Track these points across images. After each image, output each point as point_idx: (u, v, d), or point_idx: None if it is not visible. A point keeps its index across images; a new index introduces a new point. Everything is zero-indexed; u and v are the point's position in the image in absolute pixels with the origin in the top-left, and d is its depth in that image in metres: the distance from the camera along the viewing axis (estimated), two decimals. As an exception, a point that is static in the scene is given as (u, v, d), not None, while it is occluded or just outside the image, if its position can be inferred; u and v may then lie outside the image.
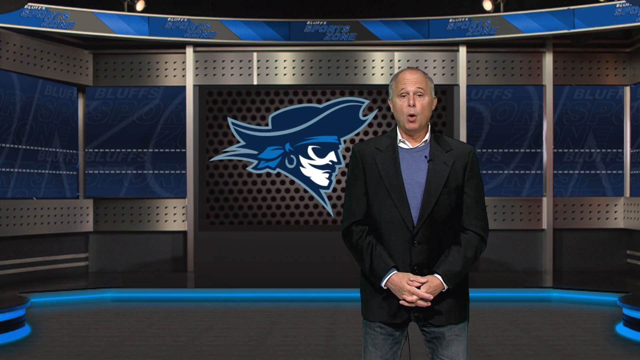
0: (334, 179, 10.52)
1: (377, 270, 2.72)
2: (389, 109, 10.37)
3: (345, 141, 10.52)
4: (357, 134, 10.52)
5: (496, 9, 10.03)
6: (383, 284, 2.72)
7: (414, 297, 2.66)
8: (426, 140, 2.81)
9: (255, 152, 10.54)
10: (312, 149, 10.54)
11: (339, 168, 10.52)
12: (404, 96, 2.77)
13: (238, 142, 10.54)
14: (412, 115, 2.75)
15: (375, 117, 10.53)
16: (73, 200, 10.39)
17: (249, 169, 10.53)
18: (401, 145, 2.81)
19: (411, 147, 2.80)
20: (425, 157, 2.77)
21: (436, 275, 2.70)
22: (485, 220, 2.80)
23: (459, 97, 10.36)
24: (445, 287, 2.70)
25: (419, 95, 2.76)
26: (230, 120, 10.53)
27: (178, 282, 9.61)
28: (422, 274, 2.71)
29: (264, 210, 10.52)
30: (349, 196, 2.84)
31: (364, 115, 10.53)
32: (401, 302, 2.69)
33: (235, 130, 10.54)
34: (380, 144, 2.83)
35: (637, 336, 6.48)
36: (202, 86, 10.51)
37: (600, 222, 10.47)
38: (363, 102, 10.54)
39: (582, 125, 10.53)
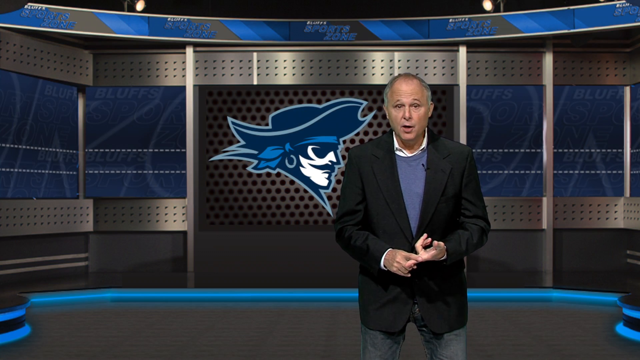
0: (333, 179, 10.53)
1: (374, 253, 2.68)
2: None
3: (344, 141, 10.53)
4: (357, 134, 10.52)
5: (496, 9, 10.03)
6: (382, 264, 2.68)
7: (410, 262, 2.60)
8: (423, 147, 2.77)
9: (255, 152, 10.54)
10: (312, 149, 10.54)
11: (338, 168, 10.52)
12: (399, 107, 2.72)
13: (238, 141, 10.54)
14: (407, 127, 2.71)
15: (374, 117, 10.53)
16: (73, 200, 10.39)
17: (249, 168, 10.53)
18: (398, 153, 2.78)
19: (408, 155, 2.77)
20: (423, 165, 2.74)
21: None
22: (487, 220, 2.81)
23: (459, 97, 10.37)
24: (445, 257, 2.65)
25: (415, 107, 2.72)
26: (230, 120, 10.54)
27: (178, 282, 9.61)
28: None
29: (264, 210, 10.52)
30: (343, 201, 2.81)
31: (363, 116, 10.53)
32: (402, 273, 2.62)
33: (235, 130, 10.54)
34: (377, 150, 2.78)
35: (637, 336, 6.49)
36: (202, 86, 10.51)
37: (600, 222, 10.46)
38: (362, 103, 10.54)
39: (582, 125, 10.53)
